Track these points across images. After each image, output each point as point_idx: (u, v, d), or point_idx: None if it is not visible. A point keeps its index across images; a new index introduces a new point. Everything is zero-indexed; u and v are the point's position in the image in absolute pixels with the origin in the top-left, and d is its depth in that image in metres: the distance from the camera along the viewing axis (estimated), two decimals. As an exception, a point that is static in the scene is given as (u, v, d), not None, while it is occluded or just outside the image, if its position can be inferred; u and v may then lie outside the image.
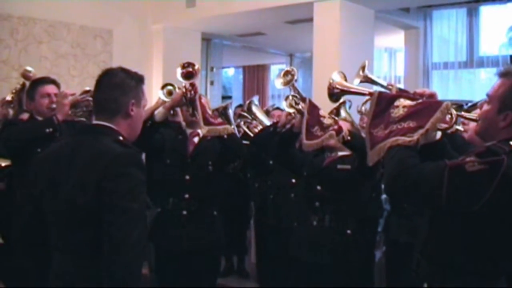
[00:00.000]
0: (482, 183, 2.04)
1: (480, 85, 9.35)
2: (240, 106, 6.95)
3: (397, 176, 2.19)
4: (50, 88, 4.15)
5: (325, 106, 5.25)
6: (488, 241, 2.20)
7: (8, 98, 5.01)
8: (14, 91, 4.99)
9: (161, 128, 4.00)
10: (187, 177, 3.94)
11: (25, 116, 4.89)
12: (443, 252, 2.29)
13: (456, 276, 2.24)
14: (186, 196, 3.91)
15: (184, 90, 3.89)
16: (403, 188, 2.21)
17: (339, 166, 3.96)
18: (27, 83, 4.63)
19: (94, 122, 2.51)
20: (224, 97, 11.88)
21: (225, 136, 3.86)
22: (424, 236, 2.46)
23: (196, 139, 4.08)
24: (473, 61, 9.45)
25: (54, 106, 4.08)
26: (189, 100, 3.86)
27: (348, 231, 3.91)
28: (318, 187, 3.96)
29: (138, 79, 2.54)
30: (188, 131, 4.11)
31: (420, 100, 2.40)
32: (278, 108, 6.76)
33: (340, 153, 4.02)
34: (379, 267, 4.94)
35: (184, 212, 3.89)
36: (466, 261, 2.23)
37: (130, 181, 2.29)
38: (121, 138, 2.43)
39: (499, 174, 2.02)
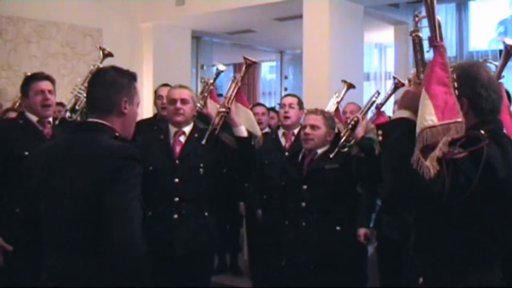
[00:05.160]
0: (470, 168, 2.08)
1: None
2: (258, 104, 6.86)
3: (399, 190, 2.18)
4: (44, 85, 3.99)
5: (315, 102, 5.26)
6: (476, 229, 2.23)
7: None
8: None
9: (143, 134, 3.95)
10: (176, 180, 3.82)
11: (12, 114, 4.83)
12: (435, 245, 2.31)
13: (450, 267, 2.26)
14: (176, 199, 3.80)
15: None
16: (408, 200, 2.23)
17: (327, 166, 3.96)
18: None
19: (89, 119, 2.52)
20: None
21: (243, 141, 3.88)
22: (414, 234, 2.47)
23: (182, 138, 3.96)
24: (462, 56, 9.48)
25: (48, 103, 3.99)
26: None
27: (338, 228, 3.92)
28: (304, 186, 3.96)
29: (130, 77, 2.55)
30: (173, 130, 3.98)
31: None
32: (259, 104, 6.74)
33: (319, 151, 4.04)
34: (372, 262, 4.95)
35: (175, 216, 3.79)
36: (458, 251, 2.25)
37: (130, 173, 2.30)
38: (117, 134, 2.44)
39: (483, 157, 2.08)
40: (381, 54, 11.85)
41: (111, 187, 2.24)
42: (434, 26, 2.24)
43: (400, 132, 2.22)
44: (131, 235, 2.23)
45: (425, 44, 2.33)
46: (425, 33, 2.32)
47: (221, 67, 4.69)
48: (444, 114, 2.11)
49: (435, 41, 2.24)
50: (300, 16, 7.59)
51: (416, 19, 2.38)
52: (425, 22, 2.31)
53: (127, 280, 2.22)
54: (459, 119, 2.13)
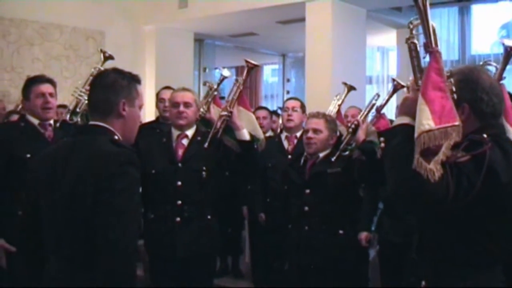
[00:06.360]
0: (473, 171, 2.08)
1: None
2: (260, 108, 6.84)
3: (402, 192, 2.18)
4: (45, 87, 3.99)
5: (317, 105, 5.26)
6: (478, 232, 2.24)
7: None
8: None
9: (145, 137, 3.94)
10: (179, 183, 3.81)
11: (15, 117, 4.84)
12: (437, 248, 2.31)
13: (452, 269, 2.27)
14: (179, 202, 3.80)
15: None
16: (410, 202, 2.23)
17: (329, 170, 3.96)
18: None
19: (90, 122, 2.52)
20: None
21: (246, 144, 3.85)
22: (417, 236, 2.47)
23: (184, 141, 3.96)
24: (465, 59, 9.45)
25: (48, 105, 4.00)
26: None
27: (341, 231, 3.92)
28: (307, 191, 3.96)
29: (130, 79, 2.54)
30: (176, 133, 3.98)
31: None
32: (261, 108, 6.74)
33: (321, 154, 4.04)
34: (374, 266, 4.95)
35: (178, 219, 3.79)
36: (460, 253, 2.25)
37: (126, 180, 2.29)
38: (116, 137, 2.44)
39: (486, 161, 2.08)
40: (384, 57, 11.85)
41: (108, 194, 2.24)
42: (428, 32, 2.28)
43: (401, 138, 2.23)
44: (125, 243, 2.24)
45: (422, 50, 2.35)
46: (422, 39, 2.35)
47: (226, 73, 4.67)
48: (441, 119, 2.12)
49: (430, 47, 2.26)
50: (302, 19, 7.60)
51: (411, 25, 2.41)
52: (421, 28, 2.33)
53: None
54: (457, 123, 2.13)
